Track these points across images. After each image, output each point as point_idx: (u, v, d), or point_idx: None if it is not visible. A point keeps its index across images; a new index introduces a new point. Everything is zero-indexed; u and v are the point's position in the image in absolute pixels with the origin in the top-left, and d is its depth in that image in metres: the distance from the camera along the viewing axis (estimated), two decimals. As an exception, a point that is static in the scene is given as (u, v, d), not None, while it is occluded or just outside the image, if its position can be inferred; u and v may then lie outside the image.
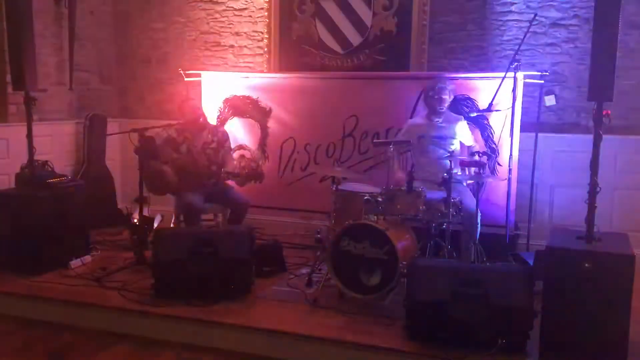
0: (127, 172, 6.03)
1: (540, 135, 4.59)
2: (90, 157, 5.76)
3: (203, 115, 4.85)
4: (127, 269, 4.24)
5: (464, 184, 4.30)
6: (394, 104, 4.97)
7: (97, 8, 6.01)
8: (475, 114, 4.70)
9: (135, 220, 4.54)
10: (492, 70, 4.83)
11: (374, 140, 4.90)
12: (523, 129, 4.56)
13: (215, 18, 5.82)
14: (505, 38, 4.93)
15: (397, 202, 3.77)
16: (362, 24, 5.28)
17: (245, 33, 5.73)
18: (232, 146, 5.14)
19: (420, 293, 3.12)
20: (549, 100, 4.75)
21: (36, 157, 4.31)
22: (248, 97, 5.47)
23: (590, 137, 3.08)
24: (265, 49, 5.61)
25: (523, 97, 4.58)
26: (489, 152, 4.56)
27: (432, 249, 3.98)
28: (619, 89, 3.16)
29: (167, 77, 6.00)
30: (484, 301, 2.99)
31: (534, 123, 4.60)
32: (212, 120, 5.38)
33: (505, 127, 4.53)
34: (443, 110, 4.35)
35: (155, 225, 4.86)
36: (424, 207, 3.78)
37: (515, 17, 4.88)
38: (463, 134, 4.44)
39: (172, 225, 4.66)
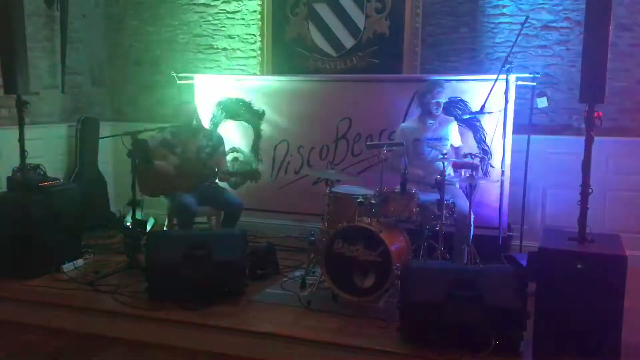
0: (120, 175, 6.00)
1: (532, 137, 4.60)
2: (82, 160, 5.73)
3: (198, 118, 4.84)
4: (120, 273, 4.22)
5: (457, 185, 4.31)
6: (387, 106, 4.98)
7: (89, 11, 6.00)
8: (467, 116, 4.72)
9: (128, 224, 4.52)
10: (485, 72, 4.85)
11: (367, 143, 4.91)
12: (515, 131, 4.57)
13: (208, 21, 5.81)
14: (497, 40, 4.95)
15: (391, 204, 3.78)
16: (355, 26, 5.29)
17: (238, 36, 5.72)
18: (226, 149, 5.14)
19: (414, 295, 3.12)
20: (541, 102, 4.78)
21: (28, 161, 4.29)
22: (241, 100, 5.46)
23: (582, 139, 3.10)
24: (258, 52, 5.61)
25: (515, 99, 4.60)
26: (481, 154, 4.57)
27: (426, 251, 3.99)
28: (610, 90, 3.18)
29: (160, 80, 5.99)
30: (477, 303, 3.00)
31: (526, 125, 4.62)
32: (206, 123, 5.37)
33: (497, 129, 4.55)
34: (439, 114, 4.37)
35: (148, 228, 4.85)
36: (417, 209, 3.79)
37: (507, 19, 4.90)
38: (453, 135, 4.46)
39: (165, 228, 4.65)
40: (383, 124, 4.98)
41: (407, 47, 5.11)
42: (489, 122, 4.65)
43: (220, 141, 4.81)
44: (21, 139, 4.20)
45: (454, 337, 3.03)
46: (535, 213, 4.91)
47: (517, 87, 4.58)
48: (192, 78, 5.58)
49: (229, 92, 5.49)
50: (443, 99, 4.35)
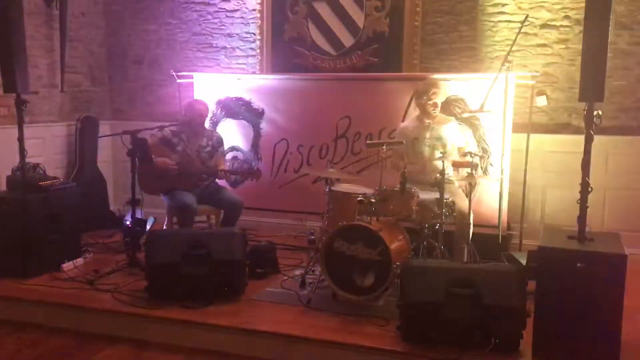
0: (120, 174, 6.01)
1: (531, 135, 4.60)
2: (82, 159, 5.73)
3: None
4: (119, 272, 4.23)
5: (457, 184, 4.31)
6: (387, 105, 4.98)
7: (88, 9, 5.99)
8: (467, 115, 4.72)
9: (128, 223, 4.52)
10: (484, 71, 4.85)
11: (367, 141, 4.91)
12: (515, 130, 4.58)
13: (207, 19, 5.81)
14: (496, 39, 4.95)
15: (391, 203, 3.78)
16: (354, 25, 5.28)
17: (237, 34, 5.72)
18: (225, 148, 5.14)
19: (414, 294, 3.12)
20: (541, 101, 4.78)
21: (27, 160, 4.28)
22: (240, 99, 5.47)
23: (581, 138, 3.10)
24: (258, 51, 5.61)
25: (514, 97, 4.60)
26: (481, 153, 4.57)
27: (425, 250, 3.99)
28: (609, 89, 3.18)
29: (160, 78, 5.99)
30: (477, 301, 3.00)
31: (525, 124, 4.62)
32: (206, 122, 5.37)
33: (497, 127, 4.55)
34: (437, 114, 4.36)
35: (148, 227, 4.85)
36: (417, 207, 3.79)
37: (507, 18, 4.90)
38: (455, 136, 4.45)
39: (165, 227, 4.65)
40: (383, 123, 4.99)
41: (407, 46, 5.11)
42: (488, 121, 4.65)
43: (220, 141, 4.82)
44: (20, 138, 4.19)
45: (453, 335, 3.03)
46: (535, 211, 4.91)
47: (517, 85, 4.58)
48: (191, 77, 5.58)
49: (229, 91, 5.50)
50: (439, 99, 4.34)
